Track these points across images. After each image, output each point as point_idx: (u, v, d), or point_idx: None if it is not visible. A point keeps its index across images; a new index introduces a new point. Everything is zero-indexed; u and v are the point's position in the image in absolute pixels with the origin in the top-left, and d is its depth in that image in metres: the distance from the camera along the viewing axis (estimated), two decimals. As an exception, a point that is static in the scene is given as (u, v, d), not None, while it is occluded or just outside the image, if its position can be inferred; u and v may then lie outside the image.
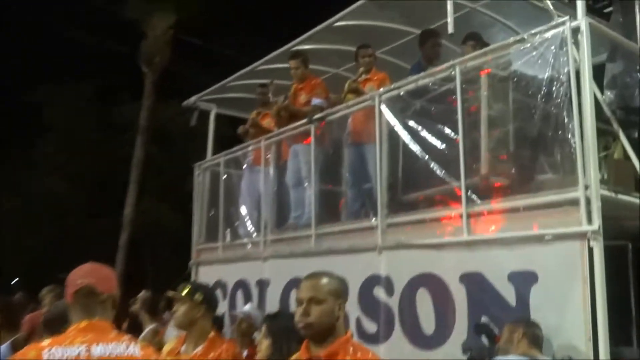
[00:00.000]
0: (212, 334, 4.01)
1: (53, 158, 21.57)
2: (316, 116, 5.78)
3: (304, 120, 5.91)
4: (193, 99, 8.22)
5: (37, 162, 21.72)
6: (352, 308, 4.80)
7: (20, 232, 20.18)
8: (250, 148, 6.95)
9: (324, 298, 2.42)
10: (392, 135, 4.99)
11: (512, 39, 4.23)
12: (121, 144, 20.55)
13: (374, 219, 4.93)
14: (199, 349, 3.83)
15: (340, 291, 2.49)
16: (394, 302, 4.52)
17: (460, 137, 4.31)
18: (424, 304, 4.29)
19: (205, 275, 7.12)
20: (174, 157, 21.08)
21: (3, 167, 20.88)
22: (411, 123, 4.83)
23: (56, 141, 21.86)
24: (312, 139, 5.82)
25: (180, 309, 3.86)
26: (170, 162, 21.26)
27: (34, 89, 21.47)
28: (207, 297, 3.98)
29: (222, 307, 6.48)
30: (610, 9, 5.06)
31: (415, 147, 4.74)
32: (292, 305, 5.29)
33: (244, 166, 7.14)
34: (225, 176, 7.33)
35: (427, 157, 4.64)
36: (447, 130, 4.49)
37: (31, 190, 20.70)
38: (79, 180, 21.36)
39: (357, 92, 5.77)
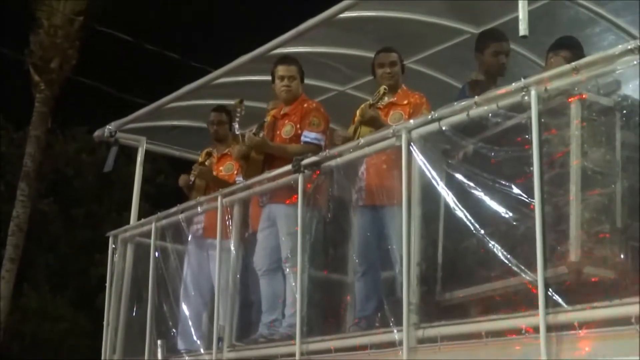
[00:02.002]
0: None
1: None
2: (307, 160, 5.84)
3: (288, 167, 5.97)
4: (111, 127, 8.30)
5: None
6: None
7: None
8: (199, 210, 6.98)
9: None
10: (428, 194, 5.04)
11: (621, 48, 4.31)
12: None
13: (396, 330, 4.92)
14: None
15: None
16: None
17: (537, 202, 4.34)
18: None
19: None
20: (75, 221, 21.10)
21: None
22: (458, 176, 4.87)
23: None
24: (299, 196, 5.86)
25: None
26: (70, 229, 21.24)
27: None
28: None
29: None
30: None
31: (463, 215, 4.77)
32: None
33: (189, 237, 7.17)
34: (158, 253, 7.34)
35: (482, 232, 4.66)
36: (516, 190, 4.53)
37: None
38: None
39: (374, 123, 5.85)
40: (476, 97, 4.97)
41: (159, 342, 7.00)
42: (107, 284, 7.84)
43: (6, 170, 19.82)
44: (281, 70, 6.42)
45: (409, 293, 4.90)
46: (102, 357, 7.57)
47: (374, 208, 5.74)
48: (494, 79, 5.59)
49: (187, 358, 6.62)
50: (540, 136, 4.41)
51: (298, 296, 5.70)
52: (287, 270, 6.04)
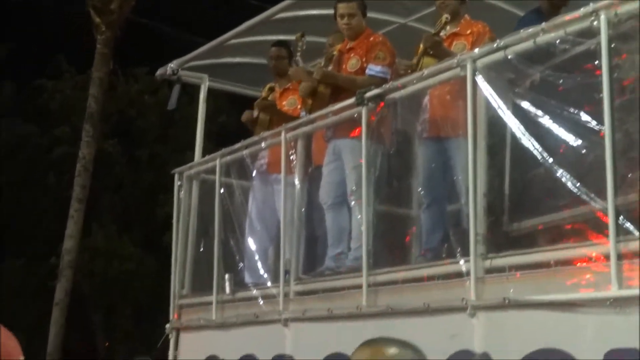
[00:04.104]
0: None
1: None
2: (371, 93, 5.81)
3: (352, 101, 5.96)
4: (173, 65, 8.34)
5: None
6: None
7: None
8: (262, 145, 7.02)
9: None
10: (494, 124, 4.99)
11: None
12: (54, 140, 20.91)
13: (463, 260, 4.92)
14: None
15: None
16: (496, 395, 4.49)
17: (607, 129, 4.27)
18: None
19: (191, 348, 7.19)
20: (140, 162, 21.38)
21: None
22: (525, 105, 4.81)
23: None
24: (363, 129, 5.85)
25: None
26: (134, 170, 21.55)
27: None
28: None
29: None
30: None
31: (531, 145, 4.72)
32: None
33: (254, 173, 7.23)
34: (223, 189, 7.42)
35: (550, 160, 4.61)
36: (585, 117, 4.46)
37: None
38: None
39: (438, 54, 5.78)
40: (543, 23, 4.88)
41: (226, 276, 7.11)
42: (174, 221, 7.95)
43: (71, 112, 20.13)
44: (341, 8, 6.37)
45: (475, 224, 4.87)
46: (171, 293, 7.71)
47: (439, 140, 5.71)
48: (560, 6, 5.48)
49: (254, 291, 6.70)
50: (611, 62, 4.32)
51: (364, 229, 5.73)
52: (353, 203, 6.06)
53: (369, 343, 2.53)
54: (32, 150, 21.58)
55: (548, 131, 4.67)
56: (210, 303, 7.15)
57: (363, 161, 5.84)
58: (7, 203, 21.32)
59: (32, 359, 15.11)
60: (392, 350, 2.51)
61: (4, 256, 20.67)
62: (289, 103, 7.21)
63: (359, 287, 5.58)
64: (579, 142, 4.50)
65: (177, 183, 7.93)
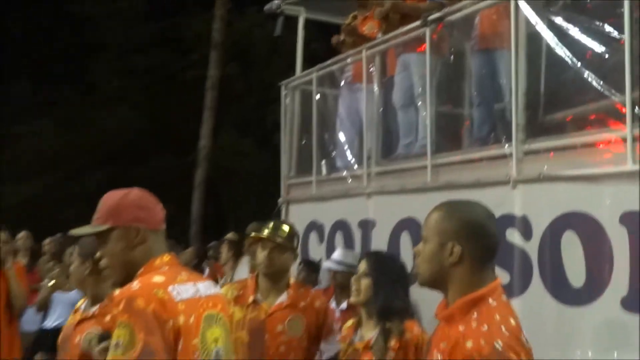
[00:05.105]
0: (292, 280, 4.19)
1: (110, 83, 22.45)
2: (433, 16, 5.61)
3: (417, 23, 5.77)
4: (276, 2, 8.23)
5: (94, 89, 22.65)
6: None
7: (77, 171, 21.11)
8: (348, 60, 6.92)
9: (426, 235, 2.37)
10: (533, 37, 4.77)
11: None
12: (190, 64, 21.10)
13: (507, 145, 4.80)
14: (283, 297, 4.01)
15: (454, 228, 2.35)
16: (532, 248, 4.44)
17: (626, 37, 4.03)
18: (572, 250, 4.18)
19: (297, 215, 7.31)
20: (255, 78, 21.42)
21: (61, 94, 21.92)
22: (558, 20, 4.57)
23: (112, 62, 22.66)
24: (427, 46, 5.68)
25: (263, 253, 4.03)
26: (250, 84, 21.63)
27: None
28: (293, 237, 4.13)
29: (319, 252, 6.70)
30: None
31: (563, 52, 4.51)
32: (403, 250, 5.43)
33: (342, 83, 7.15)
34: (318, 96, 7.38)
35: (579, 64, 4.41)
36: (608, 28, 4.23)
37: (88, 122, 21.65)
38: (142, 108, 22.17)
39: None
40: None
41: (322, 162, 7.16)
42: (282, 122, 7.98)
43: (199, 44, 20.21)
44: None
45: (517, 116, 4.73)
46: (282, 176, 7.80)
47: (487, 51, 5.49)
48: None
49: (344, 172, 6.73)
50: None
51: (428, 123, 5.64)
52: (419, 103, 5.96)
53: (442, 204, 2.49)
54: (172, 72, 21.88)
55: (577, 41, 4.45)
56: (310, 182, 7.21)
57: (427, 70, 5.70)
58: (157, 113, 21.84)
59: (181, 225, 15.74)
60: (464, 201, 2.50)
61: (157, 153, 21.24)
62: (368, 27, 7.03)
63: (425, 167, 5.54)
64: (603, 48, 4.29)
65: (283, 93, 7.91)
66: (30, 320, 7.01)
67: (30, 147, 21.10)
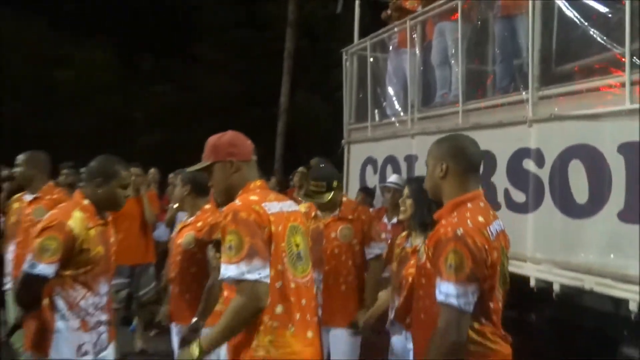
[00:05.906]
0: (344, 198, 4.32)
1: (211, 56, 22.55)
2: (464, -10, 5.35)
3: (451, -4, 5.51)
4: (338, -18, 8.01)
5: (197, 60, 22.78)
6: (500, 180, 4.68)
7: (190, 122, 21.49)
8: (395, 30, 6.69)
9: (427, 161, 2.61)
10: (546, 4, 4.49)
11: None
12: (271, 39, 20.89)
13: (524, 92, 4.60)
14: (336, 212, 4.18)
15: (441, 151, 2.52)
16: (544, 173, 4.29)
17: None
18: (577, 174, 4.03)
19: (357, 152, 7.28)
20: (320, 49, 21.08)
21: (166, 65, 22.15)
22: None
23: (212, 39, 22.70)
24: (459, 14, 5.42)
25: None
26: (317, 55, 21.33)
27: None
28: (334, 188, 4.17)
29: (373, 180, 6.67)
30: None
31: (571, 14, 4.24)
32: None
33: (390, 49, 6.94)
34: (372, 59, 7.20)
35: (586, 23, 4.13)
36: (611, -8, 3.93)
37: (196, 85, 21.93)
38: (237, 75, 22.28)
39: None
40: None
41: (375, 110, 7.04)
42: (344, 81, 7.85)
43: (277, 22, 19.90)
44: None
45: (533, 68, 4.52)
46: (344, 122, 7.73)
47: (508, 17, 5.22)
48: None
49: (393, 118, 6.62)
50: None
51: (460, 77, 5.44)
52: (452, 62, 5.75)
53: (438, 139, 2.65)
54: (257, 45, 21.79)
55: (584, 4, 4.16)
56: (366, 127, 7.11)
57: (459, 35, 5.46)
58: (247, 78, 21.87)
59: (268, 163, 15.90)
60: (452, 134, 2.80)
61: (248, 109, 21.34)
62: (410, 3, 6.78)
63: (457, 112, 5.38)
64: (607, 9, 4.00)
65: (344, 58, 7.75)
66: (162, 233, 7.29)
67: (155, 105, 21.63)
